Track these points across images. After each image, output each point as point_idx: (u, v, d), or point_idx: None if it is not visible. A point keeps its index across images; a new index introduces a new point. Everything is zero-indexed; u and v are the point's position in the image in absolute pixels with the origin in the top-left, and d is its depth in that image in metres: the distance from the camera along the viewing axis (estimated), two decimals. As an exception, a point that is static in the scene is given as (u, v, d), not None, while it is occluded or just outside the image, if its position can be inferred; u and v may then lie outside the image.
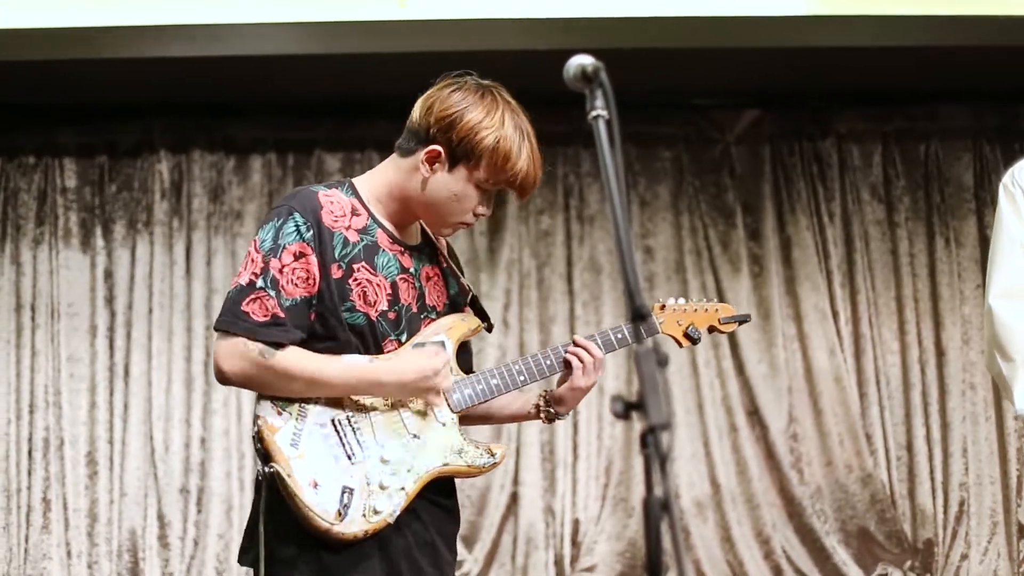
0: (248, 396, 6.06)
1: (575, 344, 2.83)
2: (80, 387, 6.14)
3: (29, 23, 5.41)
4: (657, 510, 1.76)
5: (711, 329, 3.09)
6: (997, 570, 6.06)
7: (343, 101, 6.22)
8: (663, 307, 3.01)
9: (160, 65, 5.57)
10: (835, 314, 6.30)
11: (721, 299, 3.31)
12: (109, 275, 6.25)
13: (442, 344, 2.77)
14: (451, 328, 2.81)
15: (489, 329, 2.95)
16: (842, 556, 6.04)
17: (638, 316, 1.87)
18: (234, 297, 2.61)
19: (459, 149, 2.64)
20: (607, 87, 2.00)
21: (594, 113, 2.00)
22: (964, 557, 6.07)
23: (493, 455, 2.78)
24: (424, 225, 2.82)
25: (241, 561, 2.71)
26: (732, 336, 6.14)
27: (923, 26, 5.53)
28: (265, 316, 2.59)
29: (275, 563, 2.60)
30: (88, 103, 6.20)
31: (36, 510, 6.02)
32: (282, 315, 2.59)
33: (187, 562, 5.99)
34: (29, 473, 6.06)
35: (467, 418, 2.80)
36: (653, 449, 1.78)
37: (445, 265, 2.89)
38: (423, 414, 2.72)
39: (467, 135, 2.63)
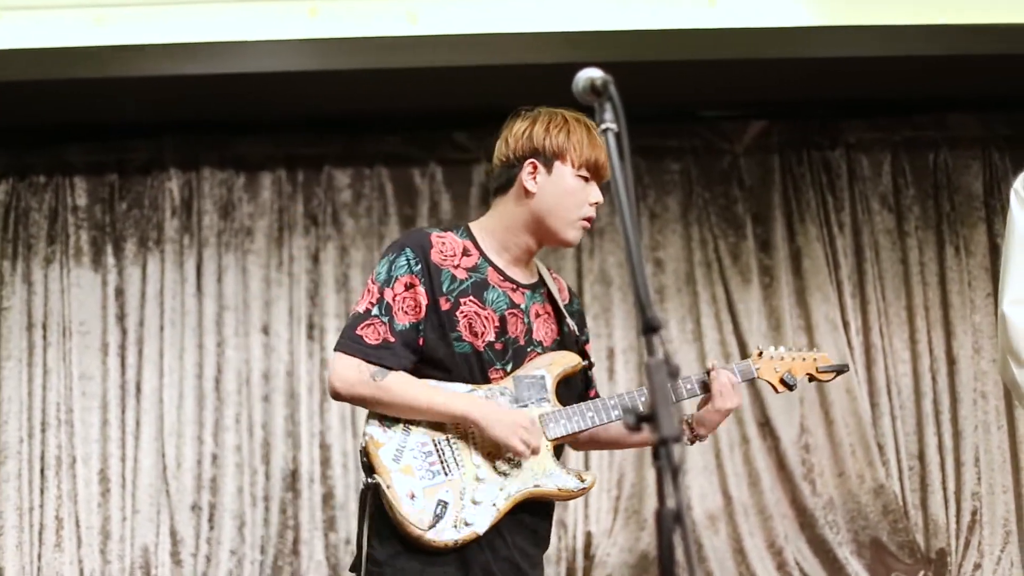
0: (259, 414, 6.09)
1: (711, 371, 3.15)
2: (92, 405, 6.14)
3: (37, 43, 5.43)
4: (670, 522, 1.77)
5: (811, 378, 3.40)
6: (1010, 580, 6.05)
7: (353, 117, 6.23)
8: (761, 354, 3.34)
9: (169, 83, 5.57)
10: (846, 324, 6.28)
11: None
12: (120, 293, 6.26)
13: (542, 383, 3.05)
14: (551, 364, 3.10)
15: (590, 367, 3.22)
16: (855, 567, 6.01)
17: (648, 328, 1.88)
18: (352, 323, 2.99)
19: (546, 153, 3.05)
20: (616, 100, 2.02)
21: (604, 126, 2.02)
22: (977, 567, 6.04)
23: (583, 481, 3.04)
24: (555, 239, 3.17)
25: (351, 569, 3.01)
26: (742, 345, 6.14)
27: (930, 35, 5.53)
28: (377, 340, 2.94)
29: (370, 562, 2.93)
30: (98, 121, 6.20)
31: (49, 528, 6.01)
32: (392, 339, 2.94)
33: (200, 579, 6.00)
34: (42, 491, 6.06)
35: (576, 443, 3.13)
36: (665, 461, 1.79)
37: (559, 307, 3.20)
38: None
39: (545, 140, 3.05)
